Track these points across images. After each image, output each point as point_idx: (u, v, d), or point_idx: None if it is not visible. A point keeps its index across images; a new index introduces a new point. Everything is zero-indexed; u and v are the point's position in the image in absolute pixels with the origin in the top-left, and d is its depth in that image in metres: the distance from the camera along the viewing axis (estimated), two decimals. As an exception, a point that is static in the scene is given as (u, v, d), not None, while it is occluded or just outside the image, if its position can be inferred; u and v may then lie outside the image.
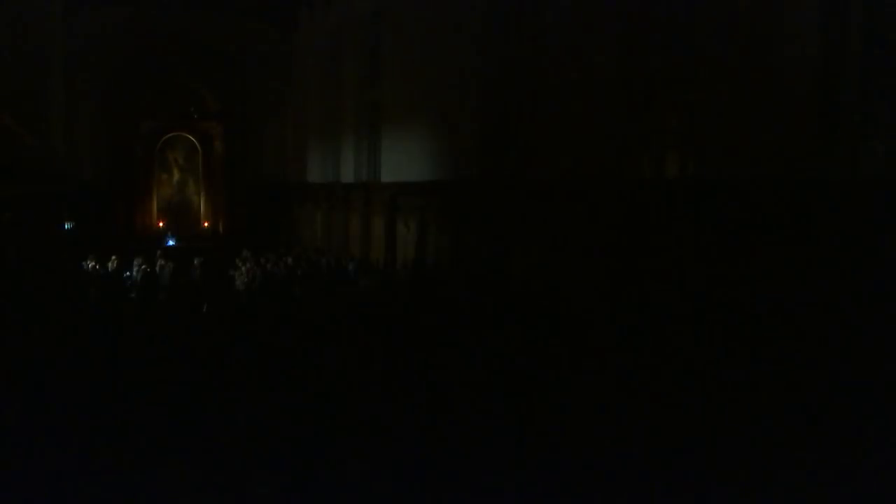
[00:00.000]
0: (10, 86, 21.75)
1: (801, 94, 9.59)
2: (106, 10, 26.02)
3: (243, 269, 17.34)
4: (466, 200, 16.29)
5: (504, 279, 14.73)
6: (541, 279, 13.85)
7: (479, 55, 15.92)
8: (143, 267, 17.38)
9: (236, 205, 29.73)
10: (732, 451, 7.11)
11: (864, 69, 9.17)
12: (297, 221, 28.06)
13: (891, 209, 8.30)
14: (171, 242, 26.30)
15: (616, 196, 12.18)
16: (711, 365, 9.36)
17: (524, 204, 14.48)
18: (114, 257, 17.79)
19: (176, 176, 30.52)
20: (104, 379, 9.45)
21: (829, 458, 6.74)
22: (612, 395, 8.81)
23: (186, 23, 27.15)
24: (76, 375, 9.60)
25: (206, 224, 30.72)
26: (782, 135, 9.70)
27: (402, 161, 19.46)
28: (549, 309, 12.80)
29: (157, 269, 17.76)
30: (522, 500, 6.49)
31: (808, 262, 9.08)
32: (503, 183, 15.25)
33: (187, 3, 26.76)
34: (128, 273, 17.37)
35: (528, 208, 14.35)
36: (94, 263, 17.20)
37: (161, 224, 29.94)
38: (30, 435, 7.61)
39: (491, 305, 13.64)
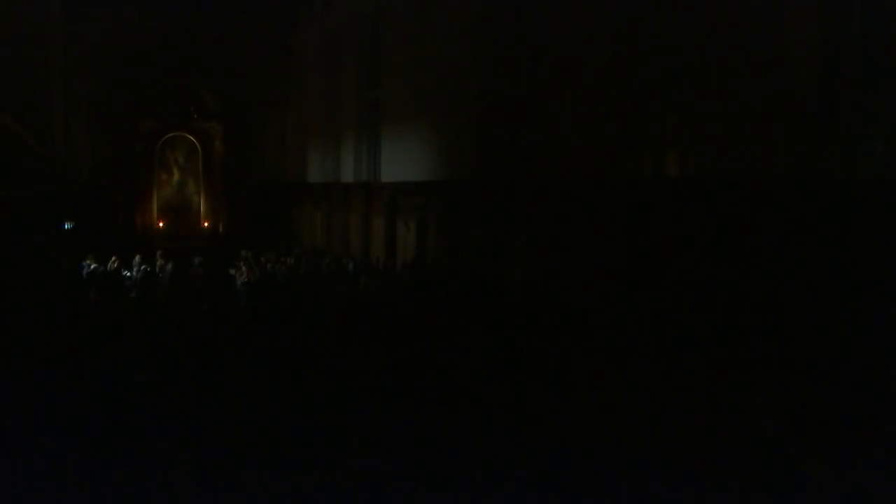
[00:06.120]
0: (10, 86, 21.76)
1: (801, 94, 9.60)
2: (106, 10, 26.04)
3: (243, 268, 17.33)
4: (466, 200, 16.29)
5: (504, 279, 14.72)
6: (540, 278, 13.85)
7: (478, 55, 15.93)
8: (144, 267, 17.38)
9: (236, 205, 29.72)
10: (732, 449, 7.11)
11: (865, 69, 9.17)
12: (297, 221, 28.06)
13: (891, 209, 8.30)
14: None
15: (616, 196, 12.18)
16: (711, 362, 9.36)
17: (524, 204, 14.48)
18: (114, 257, 17.77)
19: (176, 176, 30.50)
20: (104, 377, 9.45)
21: (828, 457, 6.74)
22: (612, 393, 8.82)
23: (186, 23, 27.16)
24: (76, 374, 9.60)
25: (206, 224, 30.71)
26: (782, 135, 9.70)
27: (402, 161, 19.45)
28: (550, 308, 12.80)
29: (157, 268, 17.75)
30: (522, 499, 6.48)
31: (807, 261, 9.08)
32: (503, 183, 15.25)
33: (187, 3, 26.78)
34: (127, 273, 17.37)
35: (528, 208, 14.35)
36: (93, 263, 17.17)
37: (161, 224, 29.93)
38: (29, 434, 7.60)
39: (491, 305, 13.65)
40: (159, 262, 17.89)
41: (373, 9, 21.62)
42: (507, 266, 14.89)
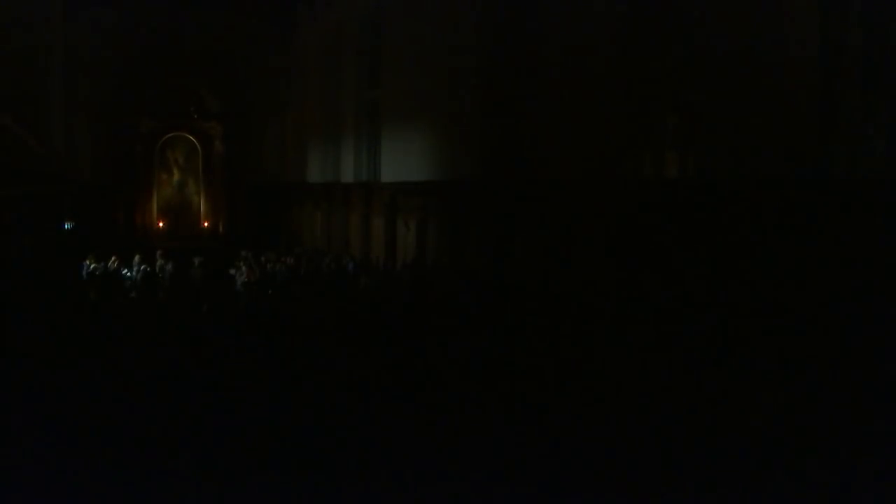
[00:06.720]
0: (10, 87, 21.76)
1: (801, 94, 9.60)
2: (106, 10, 26.05)
3: (243, 268, 17.34)
4: (466, 200, 16.29)
5: (504, 279, 14.72)
6: (541, 278, 13.85)
7: (478, 55, 15.93)
8: (144, 267, 17.38)
9: (236, 205, 29.73)
10: (730, 449, 7.11)
11: (865, 69, 9.18)
12: (297, 221, 28.07)
13: (891, 209, 8.31)
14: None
15: (616, 196, 12.18)
16: (710, 363, 9.36)
17: (524, 204, 14.49)
18: (114, 257, 17.78)
19: (176, 176, 30.48)
20: (103, 377, 9.45)
21: (828, 457, 6.74)
22: (612, 393, 8.82)
23: (186, 23, 27.17)
24: (76, 374, 9.60)
25: (206, 224, 30.71)
26: (782, 135, 9.71)
27: (402, 161, 19.46)
28: (549, 308, 12.80)
29: (157, 268, 17.76)
30: (520, 499, 6.49)
31: (807, 262, 9.09)
32: (503, 183, 15.25)
33: (187, 4, 26.78)
34: (128, 273, 17.37)
35: (529, 208, 14.35)
36: (93, 263, 17.18)
37: (161, 224, 29.95)
38: (30, 435, 7.61)
39: (491, 305, 13.64)
40: (159, 262, 17.89)
41: (373, 9, 21.62)
42: (508, 266, 14.89)
